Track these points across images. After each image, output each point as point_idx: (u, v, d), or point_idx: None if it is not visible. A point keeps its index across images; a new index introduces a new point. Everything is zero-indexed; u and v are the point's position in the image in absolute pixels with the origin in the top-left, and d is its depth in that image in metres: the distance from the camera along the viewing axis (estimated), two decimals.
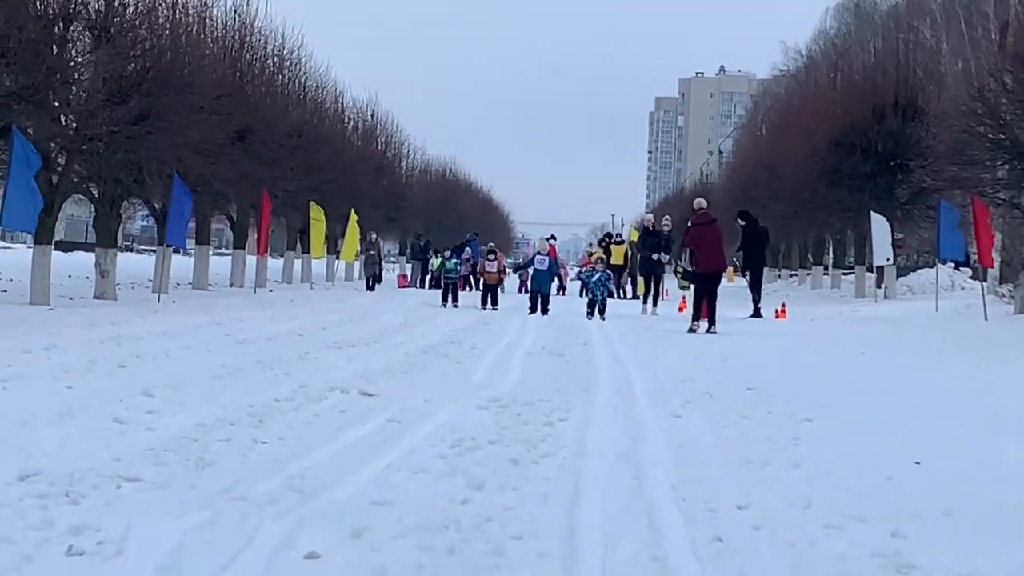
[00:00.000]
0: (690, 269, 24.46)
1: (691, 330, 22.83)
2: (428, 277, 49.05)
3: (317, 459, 7.36)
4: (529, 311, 29.11)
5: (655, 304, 31.59)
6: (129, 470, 6.52)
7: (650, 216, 36.07)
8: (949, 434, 9.80)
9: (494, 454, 7.68)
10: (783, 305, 30.76)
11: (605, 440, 8.68)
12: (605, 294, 28.39)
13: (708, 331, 22.65)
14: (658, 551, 5.44)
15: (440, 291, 34.39)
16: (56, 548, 5.06)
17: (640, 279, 35.82)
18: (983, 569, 5.46)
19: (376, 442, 8.13)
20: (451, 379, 12.67)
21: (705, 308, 23.25)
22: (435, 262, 40.84)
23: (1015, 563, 5.56)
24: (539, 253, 31.53)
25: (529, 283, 31.84)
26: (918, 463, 8.28)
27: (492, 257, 33.74)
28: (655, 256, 32.13)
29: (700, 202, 25.19)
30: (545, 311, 29.13)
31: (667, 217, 36.09)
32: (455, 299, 33.22)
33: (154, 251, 40.57)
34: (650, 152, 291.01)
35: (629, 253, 45.00)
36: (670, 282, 38.78)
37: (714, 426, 9.59)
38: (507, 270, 45.48)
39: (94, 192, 29.94)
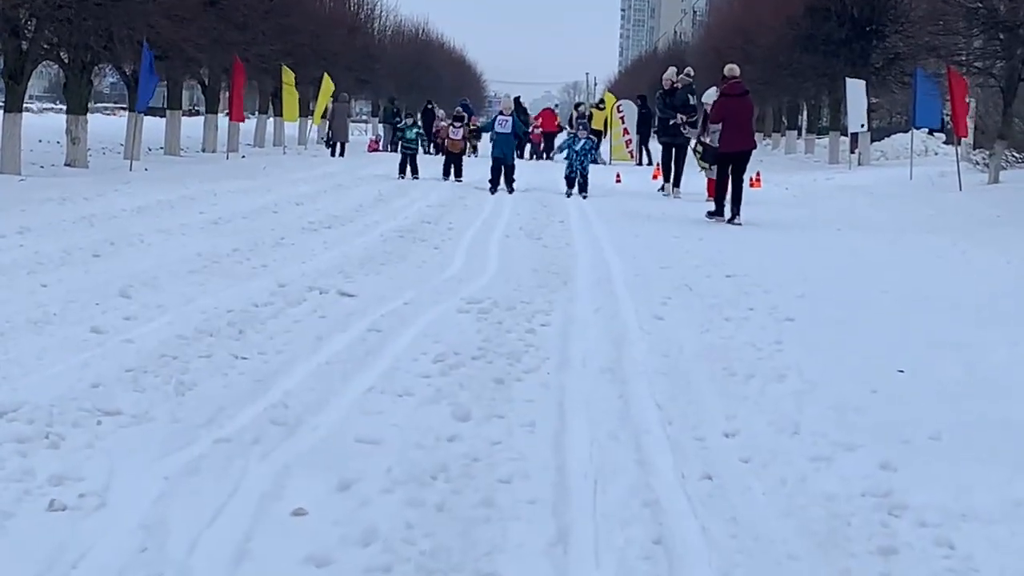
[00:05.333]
0: (712, 146, 21.18)
1: (710, 214, 20.01)
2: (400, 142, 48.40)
3: (299, 378, 7.26)
4: (490, 188, 25.49)
5: (677, 183, 26.21)
6: (109, 401, 6.39)
7: (670, 71, 28.40)
8: (931, 329, 9.79)
9: (478, 372, 7.59)
10: (757, 173, 29.48)
11: (588, 348, 8.60)
12: (587, 165, 25.17)
13: (732, 221, 19.53)
14: (648, 494, 5.37)
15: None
16: (37, 502, 4.96)
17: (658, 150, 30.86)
18: (977, 505, 5.42)
19: (358, 354, 8.03)
20: (430, 271, 12.54)
21: (730, 195, 19.89)
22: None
23: (1009, 497, 5.51)
24: (501, 113, 27.48)
25: (490, 151, 27.29)
26: (902, 371, 8.23)
27: (458, 124, 30.02)
28: (673, 121, 26.09)
29: (732, 69, 20.88)
30: (510, 185, 25.78)
31: (688, 68, 29.33)
32: (415, 171, 30.11)
33: (124, 109, 40.03)
34: (623, 10, 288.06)
35: (608, 120, 44.65)
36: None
37: (696, 329, 9.50)
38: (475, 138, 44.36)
39: (64, 59, 29.57)
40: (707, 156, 21.43)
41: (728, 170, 20.04)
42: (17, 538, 4.60)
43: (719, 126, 20.40)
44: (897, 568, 4.72)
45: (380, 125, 56.49)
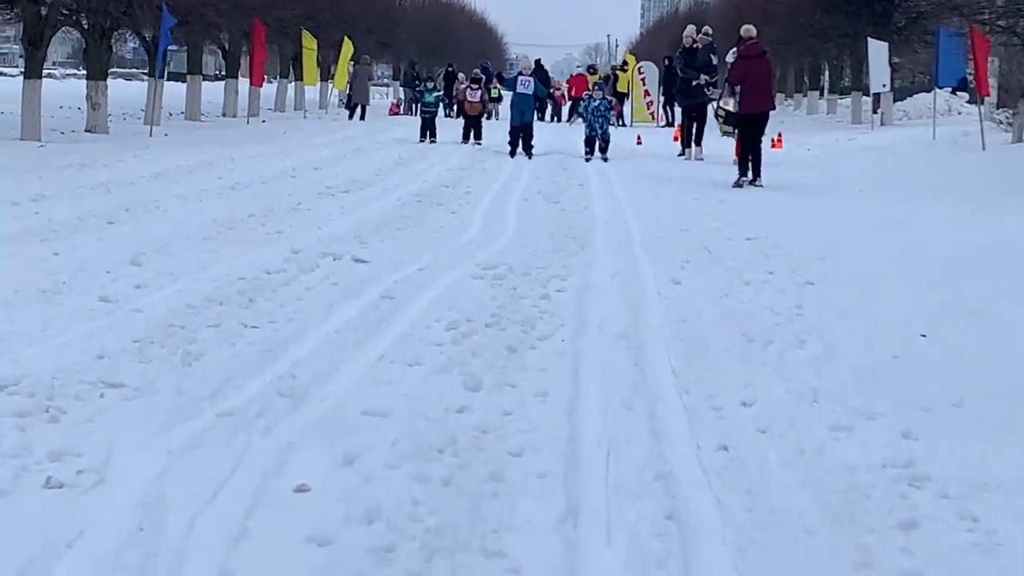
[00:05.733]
0: (733, 111, 20.56)
1: (737, 184, 19.38)
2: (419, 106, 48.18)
3: (308, 347, 7.12)
4: (510, 151, 24.95)
5: (699, 143, 25.87)
6: (113, 373, 6.27)
7: (689, 29, 27.57)
8: (954, 295, 9.60)
9: (491, 340, 7.43)
10: (779, 134, 29.31)
11: (604, 313, 8.45)
12: (607, 127, 24.61)
13: (754, 183, 19.35)
14: (662, 465, 5.23)
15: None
16: (34, 479, 4.83)
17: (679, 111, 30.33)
18: (998, 476, 5.27)
19: (370, 322, 7.89)
20: (446, 236, 12.40)
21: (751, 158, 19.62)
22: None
23: None
24: (521, 73, 26.67)
25: (510, 113, 26.26)
26: (924, 336, 8.08)
27: (476, 86, 29.68)
28: (696, 81, 25.54)
29: (748, 30, 20.41)
30: (528, 150, 25.05)
31: (707, 27, 28.03)
32: (433, 135, 29.59)
33: (145, 75, 39.93)
34: None
35: (631, 81, 44.31)
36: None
37: (715, 294, 9.35)
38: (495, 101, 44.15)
39: (84, 25, 29.49)
40: (730, 120, 20.95)
41: (748, 132, 19.79)
42: (12, 517, 4.48)
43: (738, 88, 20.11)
44: (918, 543, 4.57)
45: (401, 89, 56.30)
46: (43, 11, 26.51)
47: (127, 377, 6.22)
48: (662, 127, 40.17)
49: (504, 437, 5.58)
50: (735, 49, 20.98)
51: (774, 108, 20.56)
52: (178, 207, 14.20)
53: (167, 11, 28.32)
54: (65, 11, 28.54)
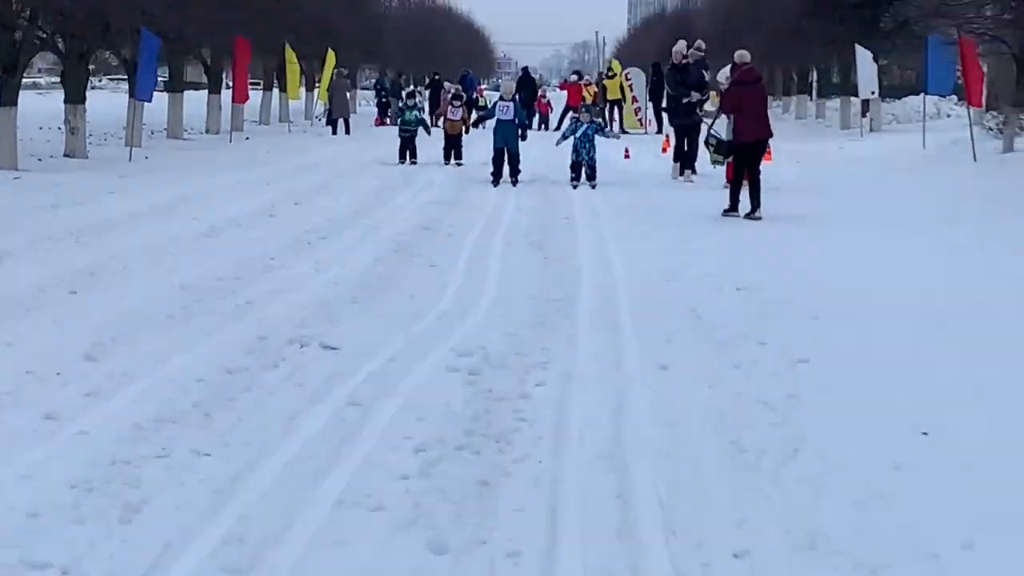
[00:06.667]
0: (725, 139, 20.28)
1: (727, 212, 18.99)
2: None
3: (263, 486, 6.52)
4: (492, 179, 24.02)
5: (691, 167, 25.28)
6: (38, 546, 5.62)
7: (680, 45, 26.79)
8: (953, 368, 9.25)
9: (462, 469, 6.80)
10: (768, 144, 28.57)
11: (586, 417, 7.88)
12: (593, 153, 23.71)
13: (750, 215, 18.72)
14: None
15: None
16: None
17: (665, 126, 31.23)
18: None
19: (332, 443, 7.27)
20: (422, 304, 11.74)
21: (746, 188, 19.02)
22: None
23: None
24: (501, 99, 25.40)
25: (492, 139, 24.98)
26: (925, 434, 7.57)
27: (456, 103, 28.96)
28: (686, 99, 25.23)
29: (743, 55, 19.86)
30: (515, 177, 24.19)
31: (699, 42, 27.11)
32: (413, 155, 28.81)
33: (125, 81, 39.49)
34: None
35: (623, 84, 43.88)
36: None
37: (703, 382, 8.81)
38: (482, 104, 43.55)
39: (60, 47, 29.14)
40: (721, 148, 20.37)
41: (743, 161, 19.25)
42: None
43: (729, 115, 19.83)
44: None
45: (374, 102, 55.91)
46: (17, 36, 26.08)
47: (53, 551, 5.58)
48: (654, 134, 39.73)
49: None
50: (728, 74, 20.49)
51: (772, 135, 20.09)
52: (146, 267, 13.66)
53: (147, 32, 27.95)
54: (41, 35, 28.17)
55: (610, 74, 44.91)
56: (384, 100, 50.47)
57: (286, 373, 8.99)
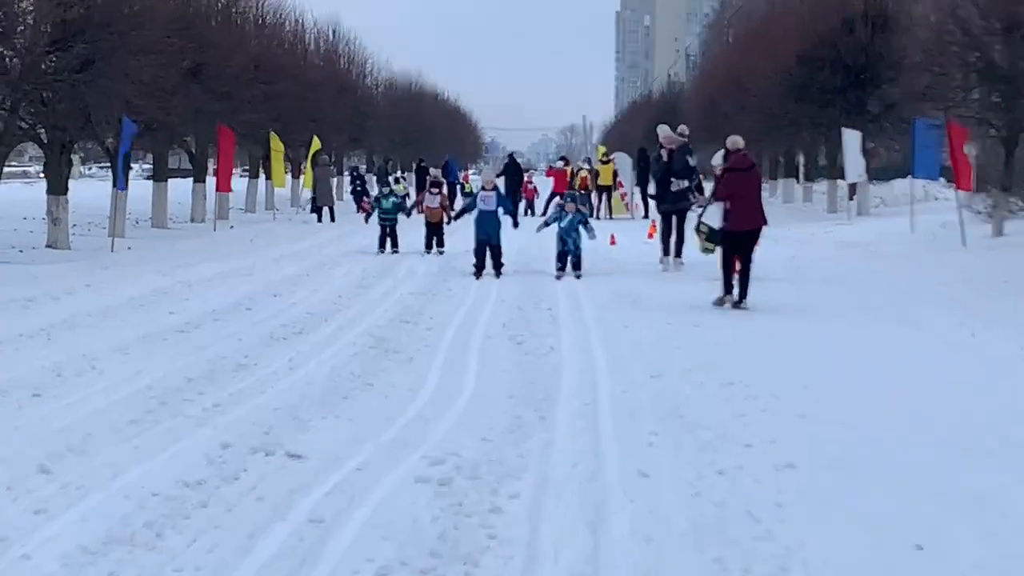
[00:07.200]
0: (716, 227, 19.20)
1: (719, 302, 18.65)
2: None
3: None
4: (475, 272, 23.49)
5: (679, 252, 24.96)
6: None
7: (663, 130, 26.12)
8: (945, 473, 8.89)
9: None
10: None
11: (561, 532, 7.47)
12: (579, 242, 23.38)
13: (738, 305, 18.44)
14: None
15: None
16: None
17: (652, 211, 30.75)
18: None
19: (290, 565, 6.86)
20: (396, 405, 11.32)
21: (736, 276, 18.69)
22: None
23: None
24: (483, 188, 24.97)
25: (474, 231, 24.41)
26: (920, 548, 7.18)
27: (435, 190, 28.37)
28: (675, 187, 24.88)
29: (736, 141, 19.49)
30: (498, 269, 23.66)
31: (682, 127, 26.80)
32: (395, 244, 28.63)
33: (108, 167, 39.40)
34: (617, 52, 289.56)
35: (617, 171, 43.79)
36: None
37: (685, 491, 8.40)
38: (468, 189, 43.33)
39: (43, 138, 29.10)
40: (713, 236, 19.87)
41: (735, 250, 18.83)
42: None
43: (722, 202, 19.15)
44: None
45: (348, 191, 55.83)
46: None
47: None
48: (640, 219, 39.56)
49: None
50: (720, 160, 20.15)
51: (766, 223, 19.48)
52: (115, 367, 13.25)
53: (128, 120, 27.86)
54: (23, 126, 28.09)
55: (604, 159, 44.68)
56: (359, 188, 50.00)
57: (247, 486, 8.55)
